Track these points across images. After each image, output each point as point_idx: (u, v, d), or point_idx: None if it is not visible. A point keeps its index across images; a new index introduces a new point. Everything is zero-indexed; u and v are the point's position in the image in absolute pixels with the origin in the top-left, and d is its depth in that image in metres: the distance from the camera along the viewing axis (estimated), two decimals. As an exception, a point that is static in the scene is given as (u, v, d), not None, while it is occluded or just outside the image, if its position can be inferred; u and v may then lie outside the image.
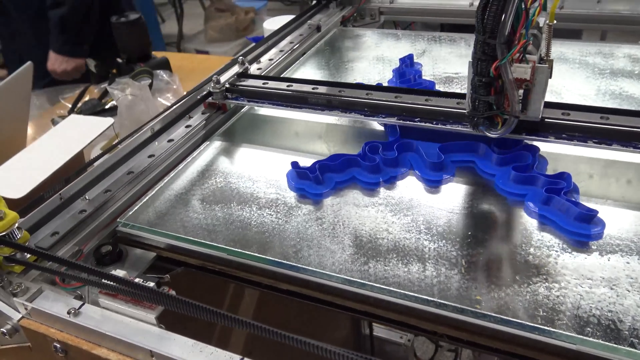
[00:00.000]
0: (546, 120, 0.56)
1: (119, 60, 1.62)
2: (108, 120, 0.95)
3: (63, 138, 0.96)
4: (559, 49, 0.81)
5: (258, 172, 0.62)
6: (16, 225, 0.46)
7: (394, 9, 1.05)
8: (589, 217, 0.48)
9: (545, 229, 0.50)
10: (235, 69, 0.78)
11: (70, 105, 1.48)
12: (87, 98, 1.50)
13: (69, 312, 0.44)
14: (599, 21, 0.91)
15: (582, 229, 0.48)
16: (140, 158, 0.64)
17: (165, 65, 1.59)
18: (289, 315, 0.98)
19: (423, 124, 0.61)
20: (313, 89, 0.68)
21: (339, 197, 0.57)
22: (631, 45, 0.81)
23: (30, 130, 1.32)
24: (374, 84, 0.75)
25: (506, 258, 0.47)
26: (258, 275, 0.51)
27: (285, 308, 0.95)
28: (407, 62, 0.79)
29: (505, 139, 0.59)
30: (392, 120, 0.63)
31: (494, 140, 0.58)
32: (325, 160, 0.59)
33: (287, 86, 0.70)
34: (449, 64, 0.81)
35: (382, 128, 0.68)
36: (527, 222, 0.51)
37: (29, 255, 0.47)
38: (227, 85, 0.73)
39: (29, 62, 1.19)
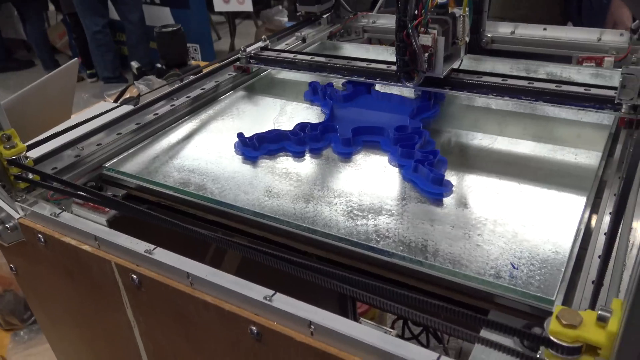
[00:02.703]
0: (451, 78, 0.78)
1: (158, 65, 1.86)
2: (128, 107, 1.16)
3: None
4: (494, 64, 0.96)
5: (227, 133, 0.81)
6: (23, 154, 0.66)
7: (375, 28, 1.22)
8: (439, 180, 0.63)
9: (411, 188, 0.65)
10: (260, 44, 1.03)
11: (112, 101, 1.72)
12: (127, 95, 1.74)
13: (51, 214, 0.62)
14: (543, 45, 1.04)
15: (435, 189, 0.63)
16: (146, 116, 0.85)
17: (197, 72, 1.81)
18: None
19: (381, 81, 0.86)
20: (311, 58, 0.93)
21: (268, 160, 0.74)
22: (555, 64, 0.94)
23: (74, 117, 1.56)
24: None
25: (370, 203, 0.62)
26: (194, 208, 0.68)
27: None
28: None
29: (404, 126, 0.75)
30: (362, 79, 0.87)
31: (395, 126, 0.74)
32: (264, 133, 0.77)
33: (293, 56, 0.95)
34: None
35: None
36: (401, 184, 0.66)
37: (31, 177, 0.67)
38: (252, 54, 0.98)
39: (75, 59, 1.43)
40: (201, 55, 3.62)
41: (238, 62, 0.99)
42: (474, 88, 0.78)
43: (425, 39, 0.72)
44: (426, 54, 0.72)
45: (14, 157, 0.65)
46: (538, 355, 0.38)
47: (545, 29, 1.05)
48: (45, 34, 4.18)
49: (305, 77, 0.99)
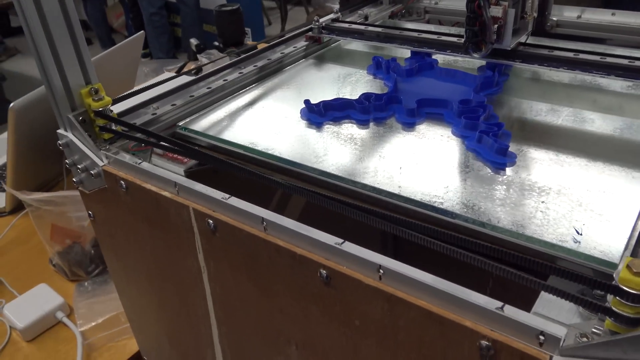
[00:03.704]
0: (519, 50, 0.81)
1: (216, 43, 1.91)
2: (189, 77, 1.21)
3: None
4: (559, 45, 0.95)
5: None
6: (109, 107, 0.71)
7: (437, 9, 1.23)
8: (503, 150, 0.64)
9: (474, 157, 0.66)
10: (331, 16, 1.08)
11: (171, 75, 1.78)
12: (185, 70, 1.80)
13: (134, 163, 0.67)
14: (611, 30, 1.03)
15: (499, 159, 0.64)
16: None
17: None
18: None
19: (442, 52, 0.90)
20: (382, 30, 0.97)
21: (333, 125, 0.76)
22: (623, 49, 0.93)
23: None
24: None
25: (433, 168, 0.64)
26: (261, 167, 0.71)
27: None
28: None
29: (468, 99, 0.76)
30: (432, 51, 0.91)
31: (459, 99, 0.76)
32: (330, 100, 0.79)
33: (365, 27, 0.99)
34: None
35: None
36: (464, 153, 0.68)
37: (114, 128, 0.72)
38: (323, 25, 1.03)
39: (141, 32, 1.49)
40: (252, 39, 3.69)
41: (310, 32, 1.04)
42: (544, 61, 0.80)
43: (496, 11, 0.74)
44: (495, 26, 0.74)
45: (101, 109, 0.69)
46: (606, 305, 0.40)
47: (613, 14, 1.03)
48: (104, 14, 4.32)
49: (371, 50, 1.02)
